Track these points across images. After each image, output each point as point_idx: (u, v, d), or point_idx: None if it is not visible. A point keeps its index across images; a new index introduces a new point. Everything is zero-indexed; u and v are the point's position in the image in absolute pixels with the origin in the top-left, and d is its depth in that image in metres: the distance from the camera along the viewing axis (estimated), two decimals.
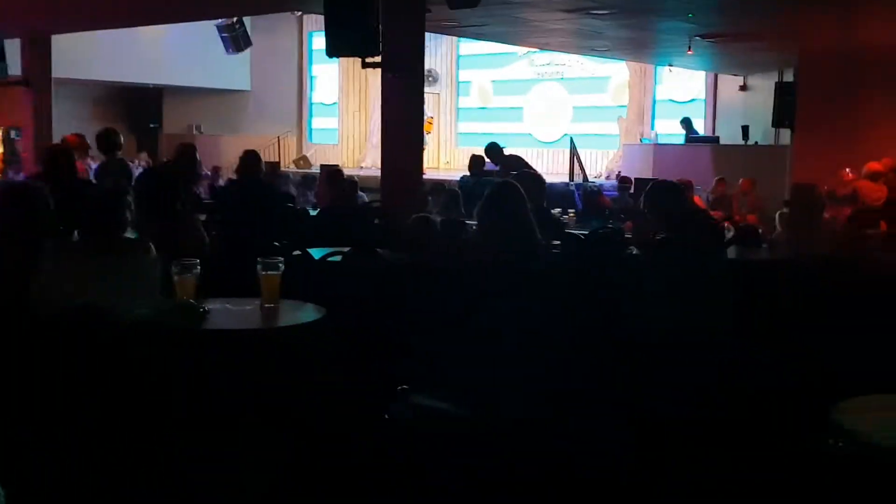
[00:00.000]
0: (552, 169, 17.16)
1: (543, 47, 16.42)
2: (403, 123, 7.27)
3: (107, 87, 20.88)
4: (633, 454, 2.92)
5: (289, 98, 22.91)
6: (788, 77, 13.80)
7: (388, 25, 6.75)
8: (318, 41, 20.80)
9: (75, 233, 3.73)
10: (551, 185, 8.78)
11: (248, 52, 18.98)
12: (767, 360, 3.64)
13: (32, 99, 13.04)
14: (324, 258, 5.07)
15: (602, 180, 16.60)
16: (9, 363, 3.07)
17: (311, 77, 23.26)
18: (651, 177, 11.17)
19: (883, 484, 2.41)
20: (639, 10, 9.71)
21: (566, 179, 15.40)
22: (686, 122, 16.23)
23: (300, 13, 20.15)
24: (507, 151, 9.99)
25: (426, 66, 8.44)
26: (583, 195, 12.48)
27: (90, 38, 16.42)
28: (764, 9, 9.23)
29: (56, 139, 11.31)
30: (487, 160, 9.92)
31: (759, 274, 5.71)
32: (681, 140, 15.92)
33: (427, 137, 16.62)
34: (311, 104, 23.43)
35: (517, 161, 9.55)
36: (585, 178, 15.34)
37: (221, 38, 17.59)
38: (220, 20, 16.80)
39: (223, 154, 17.73)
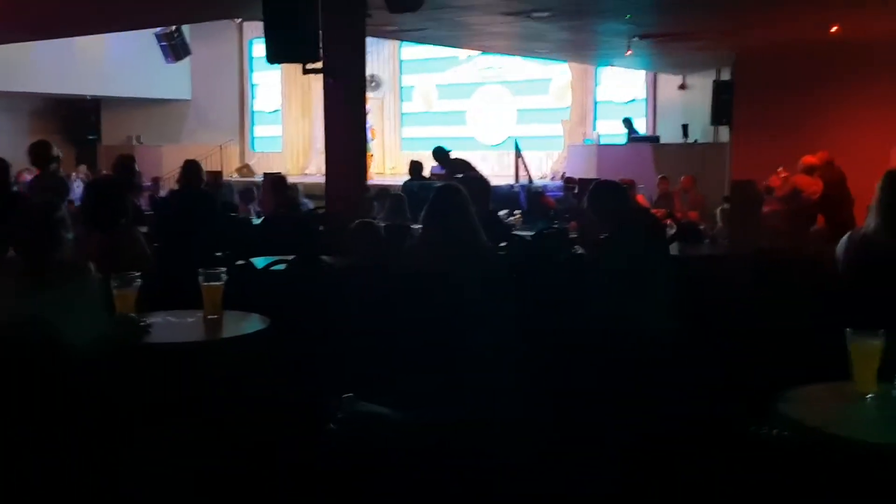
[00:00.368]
0: (498, 171, 17.21)
1: (486, 50, 16.49)
2: (346, 129, 7.23)
3: (44, 100, 20.50)
4: (576, 450, 2.94)
5: (230, 106, 22.67)
6: (726, 75, 14.05)
7: (329, 30, 6.70)
8: (259, 48, 20.60)
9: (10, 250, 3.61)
10: (496, 187, 8.82)
11: (187, 60, 18.81)
12: (709, 353, 3.70)
13: None
14: (267, 267, 5.02)
15: (547, 181, 16.75)
16: None
17: (252, 85, 23.07)
18: (595, 177, 11.27)
19: (825, 472, 2.46)
20: (578, 13, 9.79)
21: (511, 181, 15.48)
22: (627, 122, 16.45)
23: (240, 20, 19.98)
24: (452, 155, 10.05)
25: (368, 72, 8.43)
26: (527, 196, 12.56)
27: (26, 50, 16.10)
28: (701, 9, 9.38)
29: None
30: (434, 164, 9.94)
31: (701, 269, 5.81)
32: (623, 140, 16.11)
33: (371, 144, 16.62)
34: (253, 112, 23.22)
35: (463, 165, 9.62)
36: (531, 179, 15.43)
37: (160, 46, 17.40)
38: (158, 28, 16.60)
39: (164, 164, 17.52)
